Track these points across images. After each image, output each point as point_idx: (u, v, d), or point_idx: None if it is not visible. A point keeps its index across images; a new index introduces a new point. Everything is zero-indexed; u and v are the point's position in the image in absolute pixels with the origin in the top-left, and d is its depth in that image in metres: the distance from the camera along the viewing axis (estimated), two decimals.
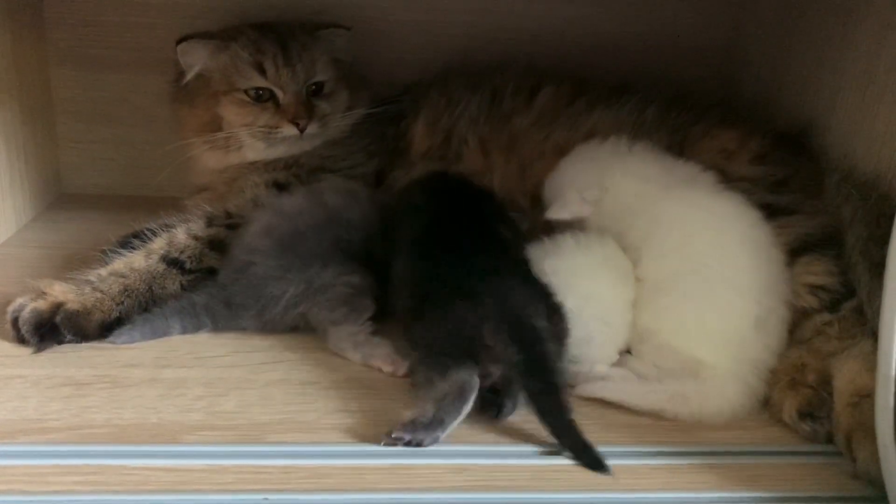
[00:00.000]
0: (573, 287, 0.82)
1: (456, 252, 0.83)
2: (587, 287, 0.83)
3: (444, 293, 0.77)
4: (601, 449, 0.72)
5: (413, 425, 0.71)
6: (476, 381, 0.72)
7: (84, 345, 0.85)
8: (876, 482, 0.66)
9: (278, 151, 1.08)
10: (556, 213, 0.93)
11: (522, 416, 0.77)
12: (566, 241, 0.87)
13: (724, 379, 0.77)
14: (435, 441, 0.71)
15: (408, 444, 0.71)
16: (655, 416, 0.77)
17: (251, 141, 1.07)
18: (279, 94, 1.07)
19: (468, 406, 0.72)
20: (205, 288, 0.91)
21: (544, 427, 0.71)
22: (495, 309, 0.74)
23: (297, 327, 0.90)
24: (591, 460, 0.70)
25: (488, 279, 0.77)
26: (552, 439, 0.72)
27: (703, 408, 0.77)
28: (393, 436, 0.71)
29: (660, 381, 0.79)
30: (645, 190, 0.89)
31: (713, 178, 0.92)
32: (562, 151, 1.01)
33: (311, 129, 1.07)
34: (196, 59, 1.08)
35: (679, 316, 0.80)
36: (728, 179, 0.95)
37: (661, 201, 0.87)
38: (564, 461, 0.71)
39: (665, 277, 0.83)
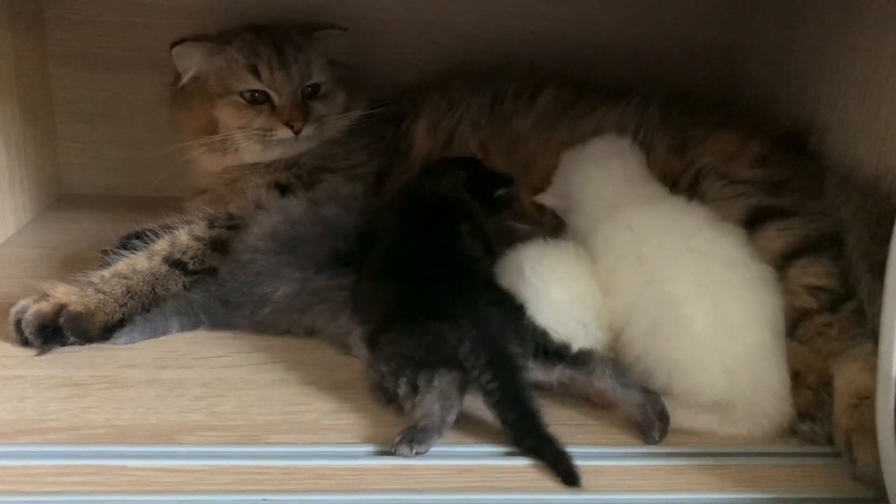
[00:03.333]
0: (567, 288, 0.84)
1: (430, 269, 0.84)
2: (580, 289, 0.85)
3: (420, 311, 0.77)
4: (601, 450, 0.72)
5: (426, 432, 0.69)
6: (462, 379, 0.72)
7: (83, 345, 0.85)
8: (876, 483, 0.66)
9: (275, 153, 1.08)
10: (540, 197, 1.00)
11: None
12: (568, 247, 0.90)
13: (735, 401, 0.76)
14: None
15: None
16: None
17: (247, 143, 1.07)
18: (274, 96, 1.07)
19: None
20: (203, 286, 0.92)
21: (523, 449, 0.70)
22: (472, 332, 0.73)
23: (291, 332, 0.90)
24: (568, 473, 0.68)
25: (465, 300, 0.78)
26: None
27: (750, 426, 0.75)
28: (415, 451, 0.69)
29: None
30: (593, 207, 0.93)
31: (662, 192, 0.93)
32: (563, 148, 1.01)
33: (307, 131, 1.07)
34: (191, 62, 1.08)
35: (660, 352, 0.78)
36: (729, 182, 0.95)
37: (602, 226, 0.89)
38: None
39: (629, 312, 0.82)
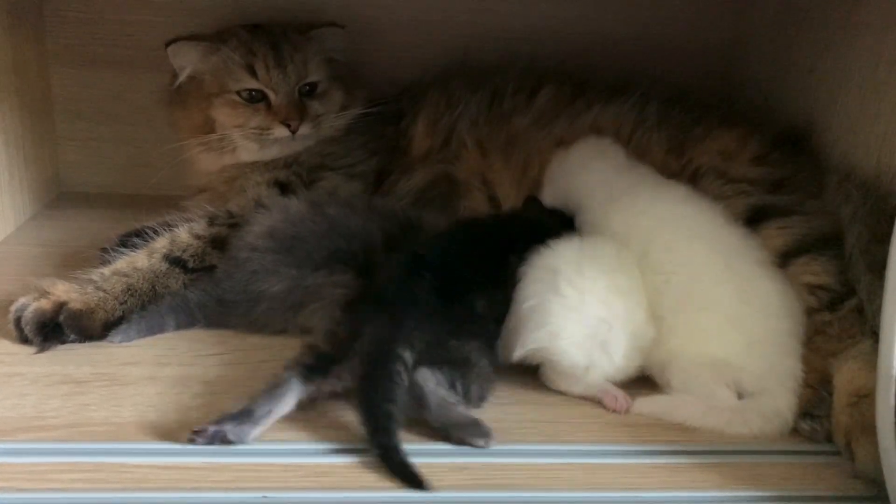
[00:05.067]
0: (607, 304, 0.79)
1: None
2: (622, 307, 0.80)
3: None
4: (601, 448, 0.73)
5: (220, 419, 0.70)
6: (294, 382, 0.72)
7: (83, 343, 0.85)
8: (875, 481, 0.66)
9: (272, 152, 1.08)
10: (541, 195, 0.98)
11: (519, 416, 0.77)
12: (610, 249, 0.85)
13: (766, 389, 0.76)
14: (243, 436, 0.70)
15: (212, 438, 0.69)
16: (717, 433, 0.75)
17: (244, 142, 1.07)
18: (270, 95, 1.06)
19: (282, 403, 0.72)
20: (199, 284, 0.92)
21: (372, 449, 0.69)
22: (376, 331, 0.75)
23: (287, 331, 0.90)
24: (411, 478, 0.66)
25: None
26: (551, 439, 0.73)
27: (762, 423, 0.75)
28: (195, 429, 0.69)
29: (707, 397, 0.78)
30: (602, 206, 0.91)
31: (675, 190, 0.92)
32: (559, 143, 1.02)
33: (304, 129, 1.07)
34: (187, 60, 1.08)
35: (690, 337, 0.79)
36: (728, 181, 0.95)
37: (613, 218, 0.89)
38: (565, 460, 0.71)
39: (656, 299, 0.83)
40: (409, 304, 0.77)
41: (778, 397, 0.76)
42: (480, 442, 0.71)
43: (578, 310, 0.78)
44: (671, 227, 0.86)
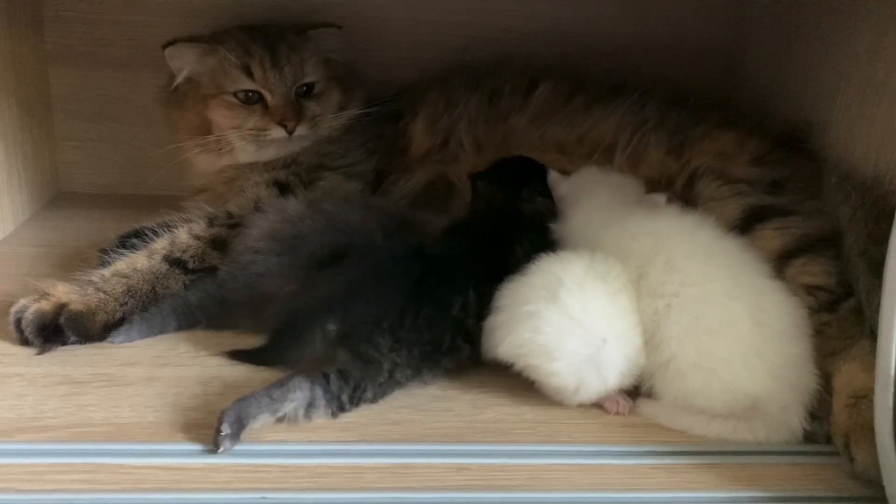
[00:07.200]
0: (611, 325, 0.76)
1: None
2: (622, 327, 0.77)
3: None
4: (601, 449, 0.73)
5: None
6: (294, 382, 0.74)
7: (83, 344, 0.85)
8: (874, 482, 0.66)
9: (269, 153, 1.08)
10: (557, 177, 0.95)
11: (518, 416, 0.77)
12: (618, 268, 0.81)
13: (771, 401, 0.74)
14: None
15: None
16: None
17: (241, 143, 1.07)
18: (267, 96, 1.06)
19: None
20: (201, 286, 0.91)
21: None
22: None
23: None
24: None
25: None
26: (550, 439, 0.73)
27: (769, 432, 0.74)
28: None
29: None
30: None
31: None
32: (560, 148, 1.01)
33: (300, 130, 1.07)
34: (184, 62, 1.08)
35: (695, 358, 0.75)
36: (726, 181, 0.95)
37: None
38: (564, 461, 0.71)
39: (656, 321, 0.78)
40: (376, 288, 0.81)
41: (791, 411, 0.74)
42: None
43: (580, 323, 0.75)
44: (668, 244, 0.80)
